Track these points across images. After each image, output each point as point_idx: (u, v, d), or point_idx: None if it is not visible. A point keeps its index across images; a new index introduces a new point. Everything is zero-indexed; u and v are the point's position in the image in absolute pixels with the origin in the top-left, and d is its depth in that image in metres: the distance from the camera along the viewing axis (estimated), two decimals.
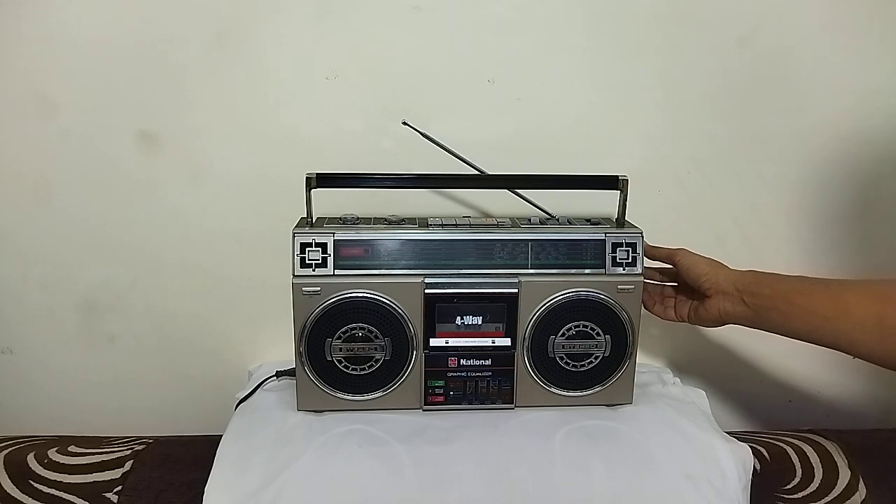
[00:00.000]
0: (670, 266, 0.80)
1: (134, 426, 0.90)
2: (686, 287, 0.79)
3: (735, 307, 0.72)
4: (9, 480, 0.76)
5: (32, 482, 0.76)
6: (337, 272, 0.74)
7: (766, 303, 0.70)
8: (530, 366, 0.78)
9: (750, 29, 0.88)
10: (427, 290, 0.75)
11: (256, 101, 0.87)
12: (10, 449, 0.81)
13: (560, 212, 0.83)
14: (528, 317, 0.76)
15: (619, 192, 0.78)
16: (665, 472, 0.71)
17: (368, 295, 0.74)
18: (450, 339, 0.77)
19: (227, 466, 0.70)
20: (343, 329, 0.75)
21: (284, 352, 0.80)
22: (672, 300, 0.82)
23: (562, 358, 0.78)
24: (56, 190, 0.88)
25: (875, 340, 0.63)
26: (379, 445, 0.73)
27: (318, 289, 0.74)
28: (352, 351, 0.75)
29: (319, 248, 0.74)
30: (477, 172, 0.81)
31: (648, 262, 0.80)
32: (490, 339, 0.77)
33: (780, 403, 1.02)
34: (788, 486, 0.82)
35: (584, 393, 0.79)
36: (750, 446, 0.77)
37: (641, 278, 0.77)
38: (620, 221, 0.79)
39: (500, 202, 0.88)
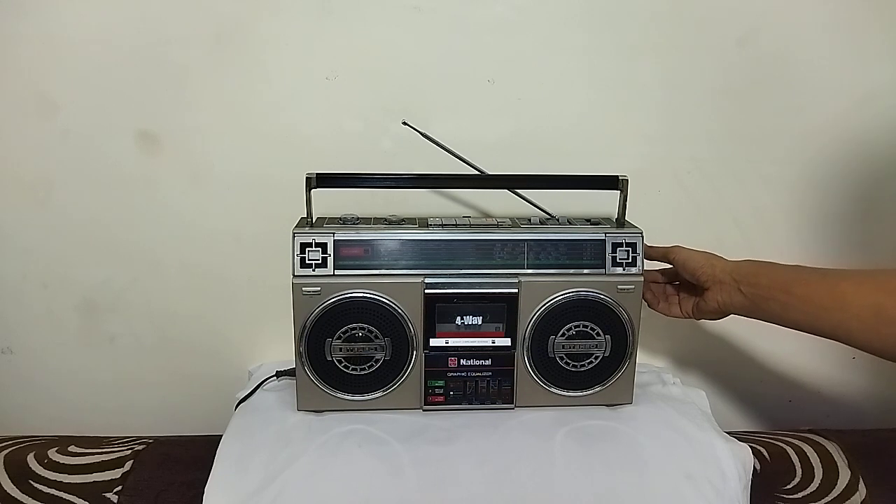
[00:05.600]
0: (668, 265, 0.80)
1: (134, 426, 0.90)
2: (687, 284, 0.79)
3: (732, 297, 0.72)
4: (9, 480, 0.76)
5: (32, 482, 0.76)
6: (337, 272, 0.74)
7: (764, 293, 0.70)
8: (530, 366, 0.78)
9: (750, 29, 0.88)
10: (427, 290, 0.75)
11: (256, 101, 0.87)
12: (10, 449, 0.81)
13: (560, 212, 0.83)
14: (528, 317, 0.76)
15: (619, 192, 0.78)
16: (665, 472, 0.71)
17: (368, 295, 0.74)
18: (450, 339, 0.77)
19: (227, 466, 0.70)
20: (343, 329, 0.75)
21: (284, 352, 0.80)
22: (675, 297, 0.82)
23: (562, 358, 0.78)
24: (56, 190, 0.88)
25: (872, 331, 0.62)
26: (379, 445, 0.73)
27: (318, 289, 0.74)
28: (352, 351, 0.75)
29: (319, 248, 0.74)
30: (477, 172, 0.81)
31: (647, 264, 0.80)
32: (490, 339, 0.77)
33: (781, 403, 1.02)
34: (788, 486, 0.82)
35: (584, 393, 0.79)
36: (750, 446, 0.77)
37: (641, 278, 0.77)
38: (620, 221, 0.79)
39: (500, 202, 0.88)
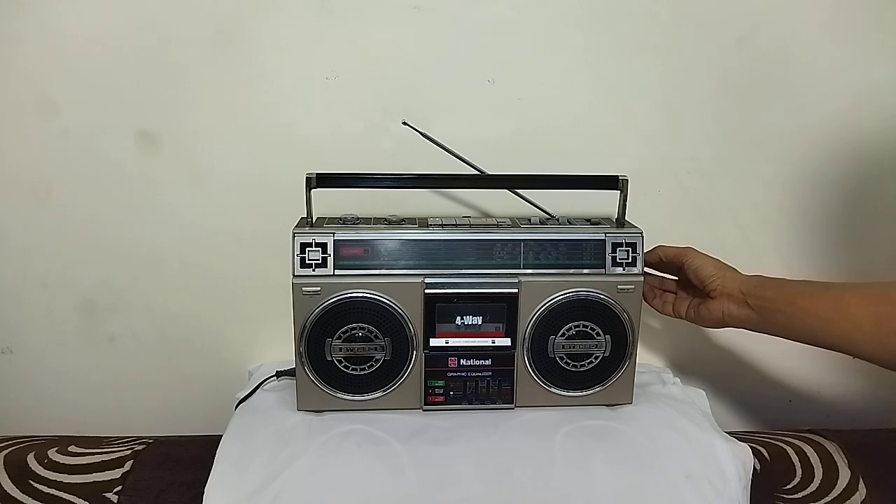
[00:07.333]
0: (678, 266, 0.79)
1: (134, 426, 0.90)
2: (687, 283, 0.79)
3: (740, 310, 0.73)
4: (9, 480, 0.76)
5: (32, 482, 0.76)
6: (337, 272, 0.74)
7: (770, 305, 0.71)
8: (530, 366, 0.78)
9: (750, 29, 0.88)
10: (427, 290, 0.75)
11: (256, 101, 0.86)
12: (10, 449, 0.81)
13: (560, 212, 0.83)
14: (528, 317, 0.76)
15: (619, 192, 0.78)
16: (665, 472, 0.71)
17: (368, 295, 0.74)
18: (450, 339, 0.77)
19: (227, 466, 0.70)
20: (343, 329, 0.75)
21: (284, 352, 0.80)
22: (672, 295, 0.82)
23: (562, 358, 0.78)
24: (56, 190, 0.88)
25: (874, 341, 0.63)
26: (379, 445, 0.73)
27: (318, 289, 0.74)
28: (352, 351, 0.75)
29: (319, 248, 0.74)
30: (477, 172, 0.81)
31: (655, 261, 0.81)
32: (490, 339, 0.77)
33: (780, 403, 1.02)
34: (788, 486, 0.82)
35: (584, 393, 0.79)
36: (750, 446, 0.77)
37: (641, 278, 0.77)
38: (620, 221, 0.79)
39: (500, 202, 0.88)
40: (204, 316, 0.94)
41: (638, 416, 0.79)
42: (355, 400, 0.77)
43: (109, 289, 0.92)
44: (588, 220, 0.80)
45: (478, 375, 0.78)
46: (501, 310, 0.76)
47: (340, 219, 0.77)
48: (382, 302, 0.74)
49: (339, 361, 0.76)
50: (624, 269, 0.77)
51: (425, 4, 0.85)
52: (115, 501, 0.75)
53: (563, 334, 0.77)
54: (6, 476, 0.77)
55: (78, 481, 0.77)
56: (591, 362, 0.78)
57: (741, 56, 0.89)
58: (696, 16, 0.87)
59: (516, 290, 0.76)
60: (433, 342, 0.77)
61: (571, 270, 0.76)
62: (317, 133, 0.88)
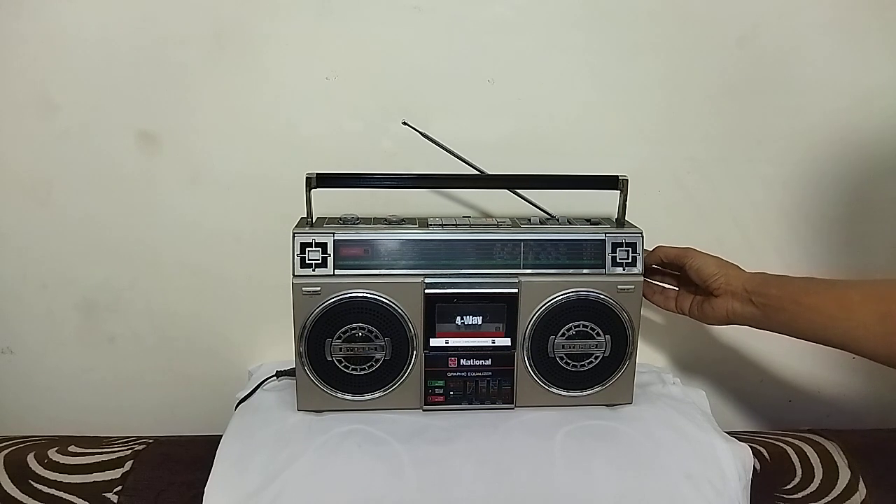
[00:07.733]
0: (679, 266, 0.79)
1: (134, 426, 0.90)
2: (689, 281, 0.79)
3: (744, 307, 0.73)
4: (9, 480, 0.76)
5: (32, 482, 0.76)
6: (337, 272, 0.74)
7: (774, 303, 0.70)
8: (530, 366, 0.78)
9: (750, 29, 0.88)
10: (427, 290, 0.75)
11: (256, 101, 0.87)
12: (10, 449, 0.81)
13: (560, 212, 0.83)
14: (528, 317, 0.76)
15: (619, 192, 0.78)
16: (665, 472, 0.71)
17: (368, 295, 0.74)
18: (450, 339, 0.77)
19: (227, 466, 0.70)
20: (343, 329, 0.75)
21: (284, 352, 0.80)
22: (674, 291, 0.82)
23: (562, 358, 0.78)
24: (56, 190, 0.88)
25: (878, 339, 0.63)
26: (379, 445, 0.73)
27: (318, 289, 0.74)
28: (352, 351, 0.75)
29: (319, 248, 0.74)
30: (477, 172, 0.81)
31: (656, 262, 0.80)
32: (490, 339, 0.77)
33: (781, 403, 1.02)
34: (788, 486, 0.82)
35: (584, 393, 0.79)
36: (750, 446, 0.77)
37: (641, 278, 0.77)
38: (620, 221, 0.79)
39: (500, 202, 0.88)
40: (204, 316, 0.94)
41: (638, 416, 0.79)
42: (355, 400, 0.77)
43: (109, 289, 0.92)
44: (588, 220, 0.80)
45: (478, 375, 0.78)
46: (501, 310, 0.76)
47: (340, 219, 0.78)
48: (382, 302, 0.74)
49: (339, 361, 0.76)
50: (624, 269, 0.77)
51: (425, 4, 0.85)
52: (115, 501, 0.75)
53: (563, 334, 0.77)
54: (6, 476, 0.77)
55: (78, 481, 0.77)
56: (591, 362, 0.78)
57: (741, 56, 0.89)
58: (696, 16, 0.87)
59: (516, 290, 0.76)
60: (433, 342, 0.77)
61: (571, 270, 0.76)
62: (317, 133, 0.88)
